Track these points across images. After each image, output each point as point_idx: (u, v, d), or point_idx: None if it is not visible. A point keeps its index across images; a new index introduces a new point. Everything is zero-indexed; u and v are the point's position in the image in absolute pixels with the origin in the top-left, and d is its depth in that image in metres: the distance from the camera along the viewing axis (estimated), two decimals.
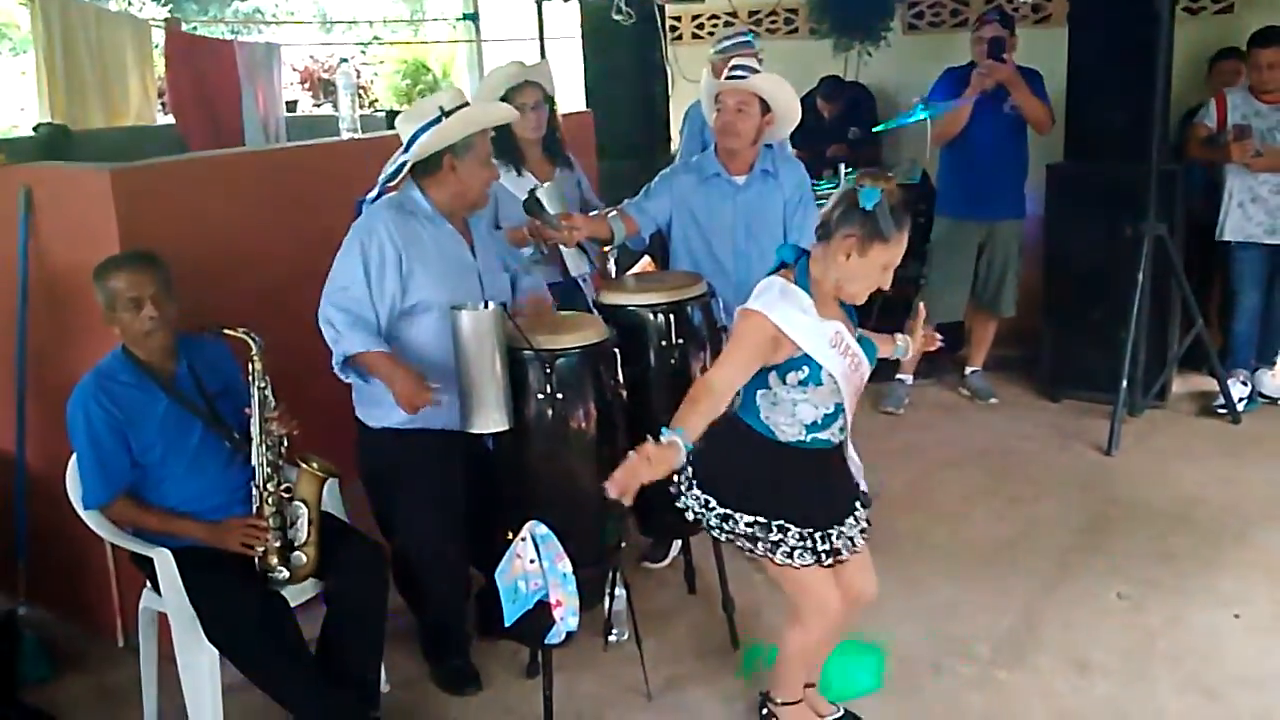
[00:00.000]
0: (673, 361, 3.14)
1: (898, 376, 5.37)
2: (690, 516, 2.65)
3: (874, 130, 6.32)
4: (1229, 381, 5.02)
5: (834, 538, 2.60)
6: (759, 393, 2.56)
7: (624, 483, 2.24)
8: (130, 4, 12.33)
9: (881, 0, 6.12)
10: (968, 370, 5.47)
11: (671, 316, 3.13)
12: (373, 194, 2.96)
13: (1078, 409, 5.13)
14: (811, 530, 2.56)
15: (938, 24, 6.69)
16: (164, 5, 13.50)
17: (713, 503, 2.60)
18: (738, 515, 2.57)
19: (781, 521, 2.55)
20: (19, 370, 3.38)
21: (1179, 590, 3.56)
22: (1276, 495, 4.22)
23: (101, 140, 5.45)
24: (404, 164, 2.90)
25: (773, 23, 7.20)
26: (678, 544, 3.77)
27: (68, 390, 2.78)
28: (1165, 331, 5.08)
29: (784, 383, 2.51)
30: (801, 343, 2.46)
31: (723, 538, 2.65)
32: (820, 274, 2.50)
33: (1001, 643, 3.31)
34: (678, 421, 2.34)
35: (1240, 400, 5.03)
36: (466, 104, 2.93)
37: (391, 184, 2.96)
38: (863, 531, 2.69)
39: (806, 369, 2.49)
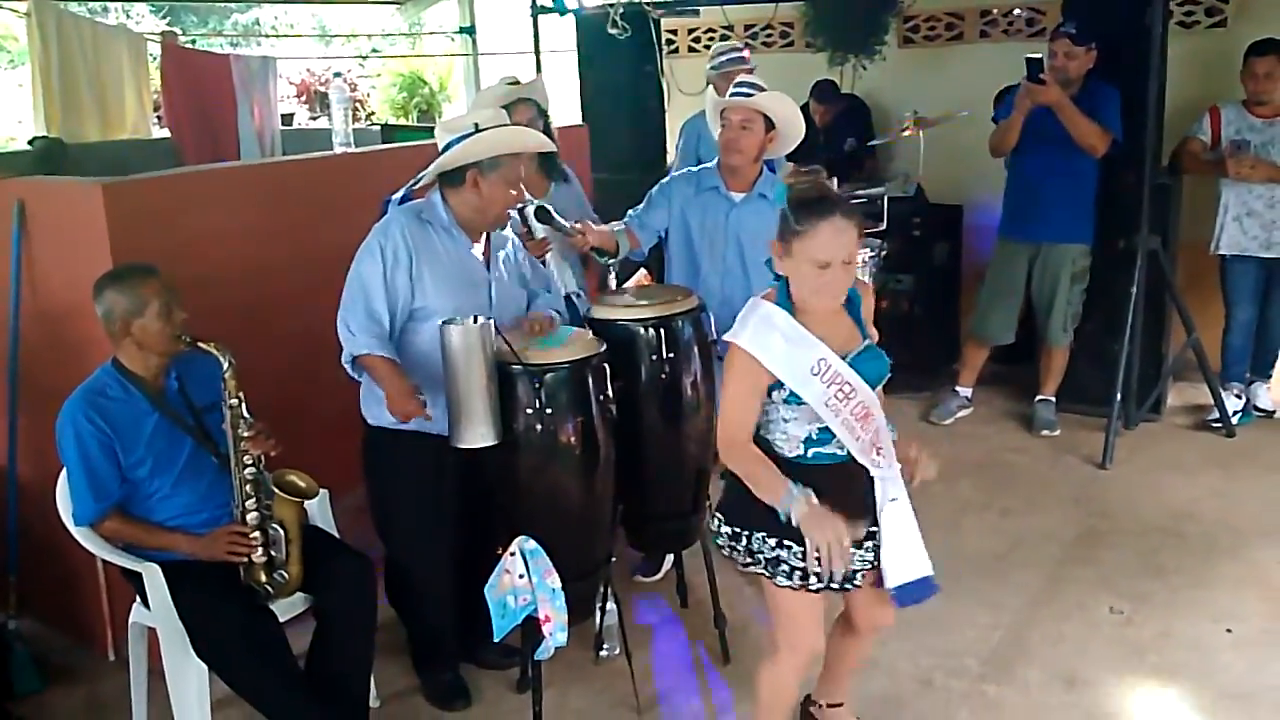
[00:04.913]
0: (663, 376, 3.13)
1: (955, 388, 5.31)
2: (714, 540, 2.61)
3: (869, 145, 6.35)
4: (1223, 395, 5.03)
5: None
6: None
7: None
8: (128, 16, 12.33)
9: (877, 14, 6.13)
10: (1036, 398, 5.20)
11: (661, 331, 3.12)
12: (399, 195, 3.01)
13: (1071, 422, 5.12)
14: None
15: (933, 38, 6.71)
16: (162, 17, 13.51)
17: (722, 524, 2.56)
18: (745, 533, 2.51)
19: (782, 539, 2.45)
20: (10, 383, 3.38)
21: (1170, 604, 3.56)
22: (1270, 509, 4.22)
23: (97, 154, 5.47)
24: (429, 171, 2.95)
25: (768, 36, 7.22)
26: (670, 559, 3.77)
27: (60, 403, 2.78)
28: (1160, 345, 5.09)
29: (771, 399, 2.46)
30: (776, 371, 2.39)
31: (731, 555, 2.57)
32: (792, 289, 2.45)
33: (991, 657, 3.31)
34: (767, 490, 2.36)
35: (1234, 414, 5.04)
36: (505, 125, 2.97)
37: (418, 188, 3.01)
38: (867, 564, 2.58)
39: (787, 389, 2.42)
